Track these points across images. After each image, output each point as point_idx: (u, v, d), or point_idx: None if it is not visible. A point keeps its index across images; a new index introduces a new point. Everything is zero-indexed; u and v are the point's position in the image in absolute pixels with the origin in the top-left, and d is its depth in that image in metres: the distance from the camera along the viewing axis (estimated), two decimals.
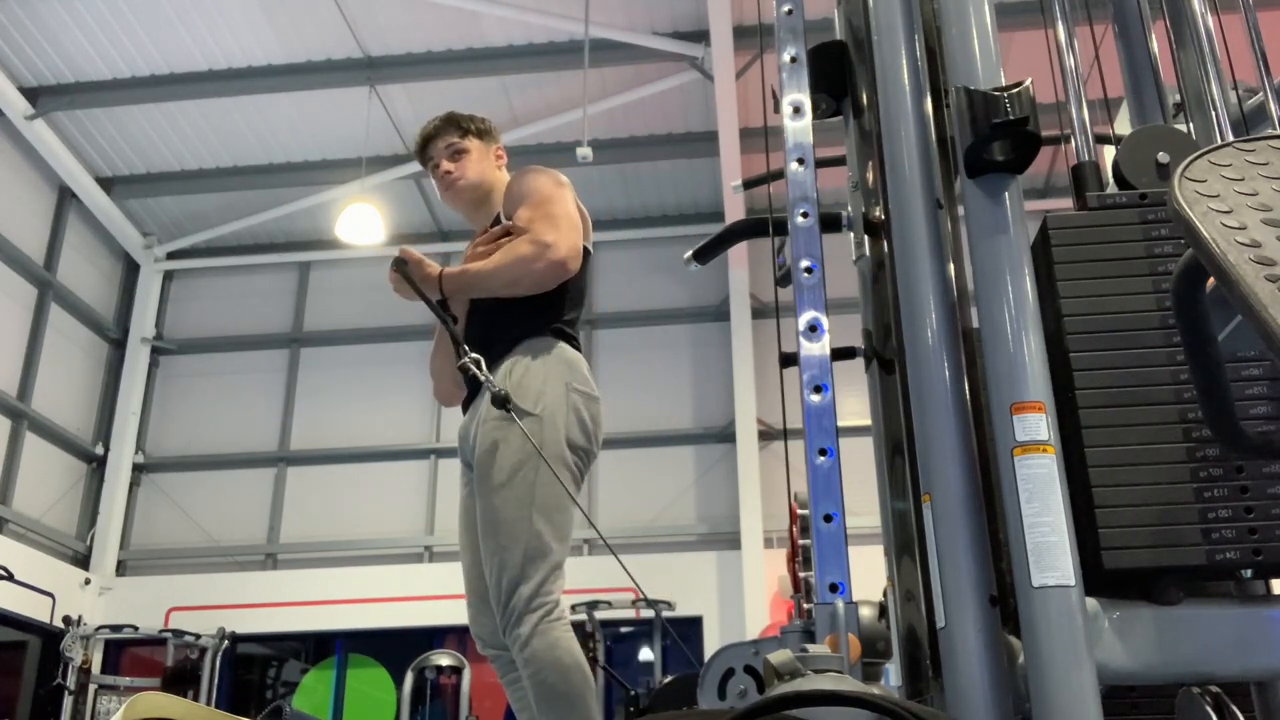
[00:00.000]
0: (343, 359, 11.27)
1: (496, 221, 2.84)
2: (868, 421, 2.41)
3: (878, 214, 2.39)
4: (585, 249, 2.75)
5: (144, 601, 10.20)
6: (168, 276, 11.83)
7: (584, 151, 8.01)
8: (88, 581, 10.29)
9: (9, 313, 9.95)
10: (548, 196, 2.67)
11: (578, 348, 2.69)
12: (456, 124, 2.96)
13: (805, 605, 4.90)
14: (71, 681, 8.99)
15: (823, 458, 2.16)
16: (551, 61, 9.18)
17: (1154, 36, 2.52)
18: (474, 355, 2.51)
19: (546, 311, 2.65)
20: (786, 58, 2.56)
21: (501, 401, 2.46)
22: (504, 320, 2.65)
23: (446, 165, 2.93)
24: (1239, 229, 1.24)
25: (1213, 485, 1.74)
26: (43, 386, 10.26)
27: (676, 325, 11.07)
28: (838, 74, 2.59)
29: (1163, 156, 2.02)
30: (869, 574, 2.59)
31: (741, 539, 9.87)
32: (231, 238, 11.48)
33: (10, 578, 8.50)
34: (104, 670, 9.88)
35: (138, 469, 11.09)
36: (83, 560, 10.54)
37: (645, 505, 10.27)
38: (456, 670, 8.21)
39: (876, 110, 2.24)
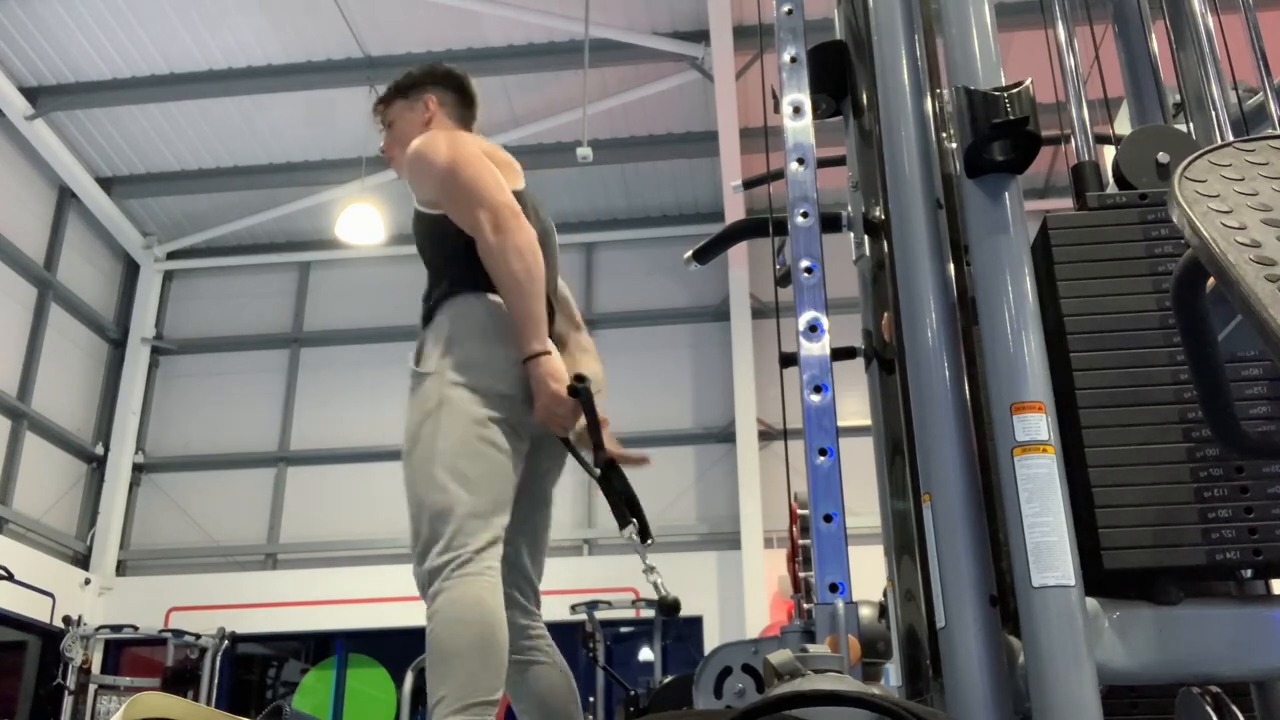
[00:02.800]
0: (343, 359, 11.27)
1: None
2: (868, 421, 2.41)
3: (878, 214, 2.39)
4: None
5: (144, 601, 10.20)
6: (168, 276, 11.84)
7: (584, 151, 8.01)
8: (88, 581, 10.29)
9: (9, 313, 9.95)
10: (449, 179, 2.35)
11: None
12: (381, 95, 2.73)
13: (805, 605, 4.89)
14: (71, 681, 8.99)
15: (823, 458, 2.16)
16: (551, 61, 9.18)
17: (1154, 36, 2.52)
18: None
19: (470, 265, 2.34)
20: (786, 58, 2.56)
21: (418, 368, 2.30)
22: (433, 279, 2.43)
23: (384, 145, 2.70)
24: (1239, 229, 1.24)
25: (1213, 485, 1.74)
26: (43, 386, 10.26)
27: (676, 325, 11.07)
28: (838, 74, 2.59)
29: (1163, 156, 2.02)
30: (869, 574, 2.59)
31: (741, 539, 9.88)
32: (231, 238, 11.48)
33: (10, 578, 8.50)
34: (104, 670, 9.88)
35: (138, 469, 11.09)
36: (83, 560, 10.54)
37: (645, 505, 10.23)
38: None
39: (876, 110, 2.24)
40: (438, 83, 2.68)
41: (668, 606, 2.40)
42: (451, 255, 2.38)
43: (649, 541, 2.42)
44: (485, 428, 2.23)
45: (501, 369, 2.28)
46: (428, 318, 2.41)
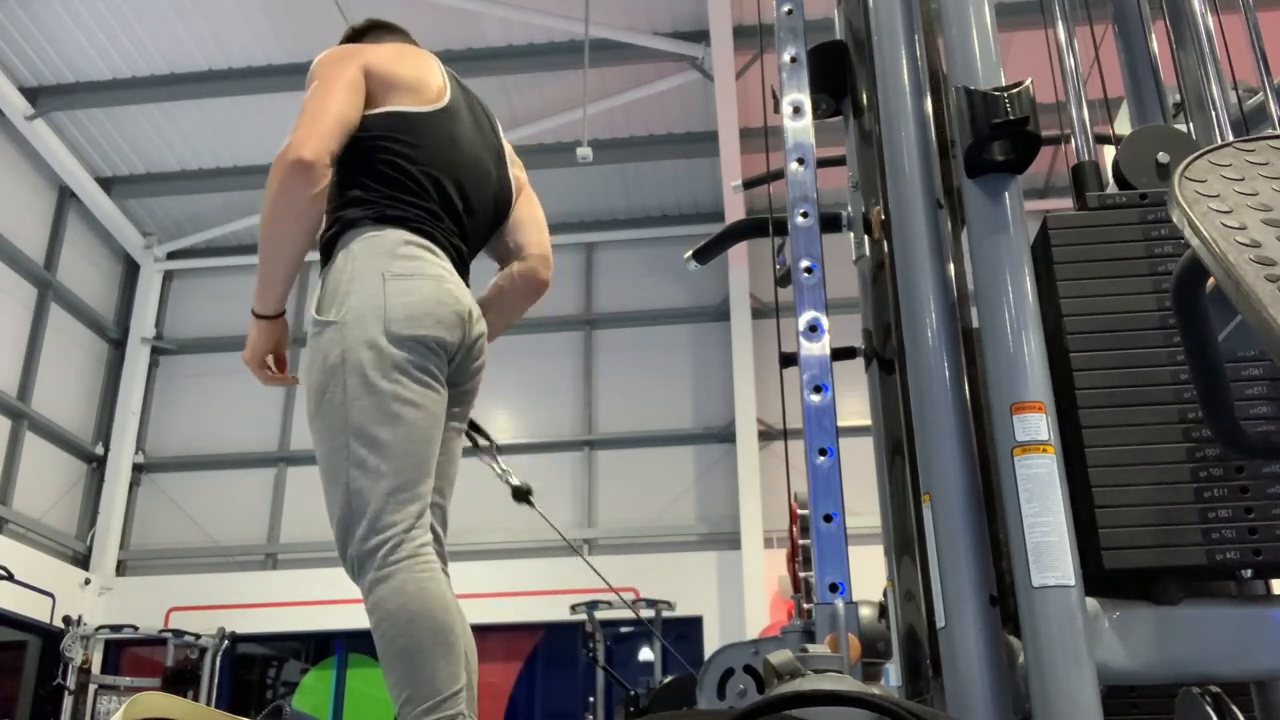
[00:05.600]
0: None
1: None
2: (868, 421, 2.41)
3: (878, 214, 2.39)
4: (400, 112, 2.23)
5: (144, 601, 10.20)
6: (168, 276, 11.84)
7: (584, 151, 8.01)
8: (88, 581, 10.30)
9: (9, 313, 9.95)
10: (309, 89, 2.18)
11: (414, 227, 2.16)
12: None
13: (805, 605, 4.90)
14: (71, 681, 8.99)
15: (823, 458, 2.17)
16: (551, 61, 9.18)
17: (1154, 36, 2.52)
18: None
19: (365, 199, 2.16)
20: (786, 58, 2.56)
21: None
22: (327, 223, 2.20)
23: None
24: (1239, 229, 1.24)
25: (1213, 485, 1.74)
26: (43, 386, 10.26)
27: (676, 325, 11.07)
28: (838, 74, 2.59)
29: (1163, 156, 2.02)
30: (869, 574, 2.59)
31: (741, 539, 9.88)
32: (231, 238, 11.48)
33: (10, 578, 8.50)
34: (104, 670, 9.88)
35: (138, 469, 11.09)
36: (83, 560, 10.54)
37: (645, 505, 10.28)
38: None
39: (876, 110, 2.24)
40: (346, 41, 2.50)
41: (520, 493, 2.40)
42: (342, 183, 2.18)
43: (493, 445, 2.39)
44: (399, 385, 2.02)
45: (408, 306, 2.06)
46: (326, 257, 2.19)
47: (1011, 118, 1.78)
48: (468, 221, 2.27)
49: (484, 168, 2.35)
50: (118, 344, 11.42)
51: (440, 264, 2.16)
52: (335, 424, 2.02)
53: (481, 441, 2.49)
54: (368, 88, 2.21)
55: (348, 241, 2.14)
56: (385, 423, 2.01)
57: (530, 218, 2.48)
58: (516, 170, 2.49)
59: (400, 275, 2.09)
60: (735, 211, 10.21)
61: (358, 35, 2.52)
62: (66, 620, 9.33)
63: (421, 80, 2.29)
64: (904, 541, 2.17)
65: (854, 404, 4.08)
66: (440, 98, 2.29)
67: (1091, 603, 1.69)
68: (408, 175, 2.19)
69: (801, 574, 5.03)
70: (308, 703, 10.18)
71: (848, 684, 1.58)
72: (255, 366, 2.25)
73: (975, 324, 1.87)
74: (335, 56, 2.23)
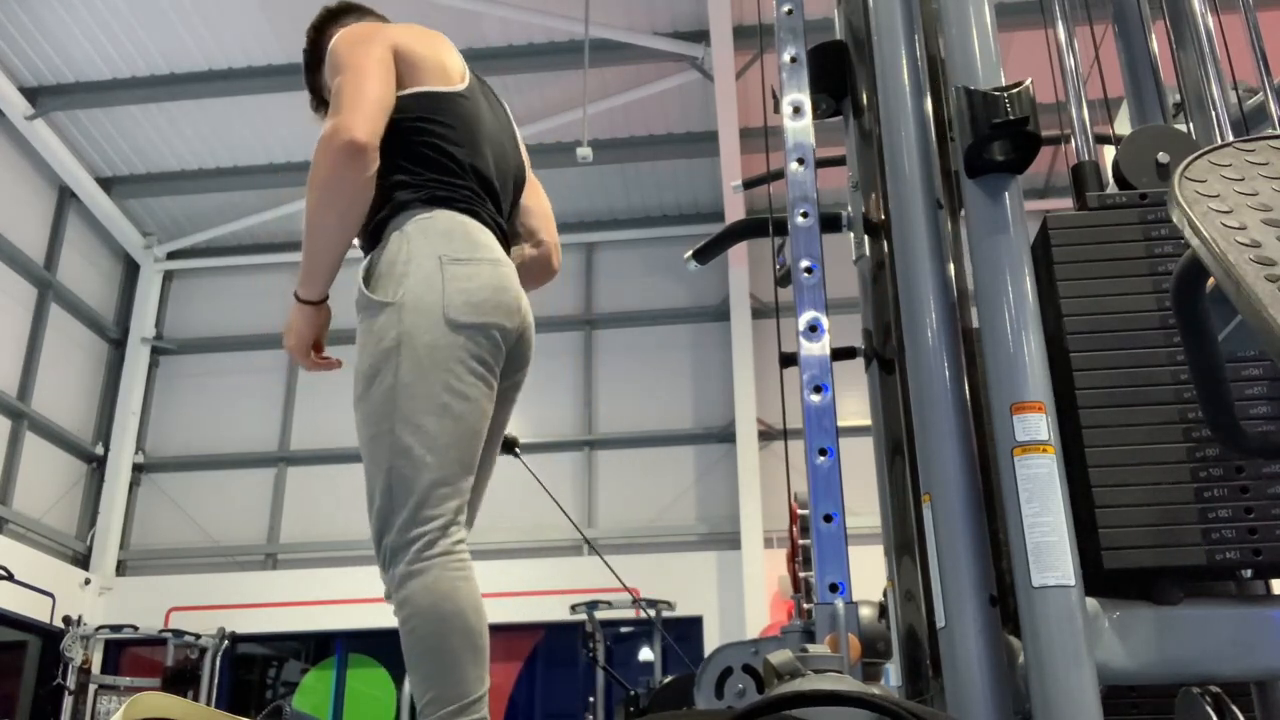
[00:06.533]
0: (342, 359, 11.27)
1: None
2: (868, 421, 2.41)
3: (878, 214, 2.39)
4: (432, 92, 2.19)
5: (144, 601, 10.20)
6: (168, 276, 11.84)
7: (584, 151, 8.01)
8: (88, 581, 10.29)
9: (9, 313, 9.95)
10: (339, 72, 2.11)
11: (463, 208, 2.13)
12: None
13: (805, 605, 4.90)
14: (71, 681, 8.99)
15: (823, 458, 2.17)
16: (551, 61, 9.18)
17: (1154, 36, 2.52)
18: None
19: (411, 182, 2.12)
20: (786, 58, 2.56)
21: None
22: (375, 206, 2.14)
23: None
24: (1239, 229, 1.24)
25: (1213, 485, 1.74)
26: (43, 386, 10.26)
27: (676, 325, 11.07)
28: (838, 74, 2.59)
29: (1163, 156, 2.02)
30: (869, 574, 2.59)
31: (741, 539, 9.88)
32: (231, 238, 11.48)
33: (10, 578, 8.50)
34: (104, 670, 9.88)
35: (138, 469, 11.09)
36: (83, 560, 10.54)
37: (645, 505, 10.28)
38: None
39: (876, 110, 2.24)
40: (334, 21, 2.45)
41: (507, 443, 2.41)
42: (384, 167, 2.10)
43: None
44: (452, 374, 1.98)
45: (467, 292, 2.02)
46: (375, 239, 2.14)
47: (1011, 118, 1.78)
48: (500, 200, 2.25)
49: (504, 149, 2.34)
50: (118, 344, 11.42)
51: (494, 246, 2.13)
52: (383, 409, 1.99)
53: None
54: (396, 68, 2.16)
55: (401, 223, 2.10)
56: (435, 412, 1.96)
57: (539, 206, 2.47)
58: (525, 156, 2.48)
59: (458, 259, 2.05)
60: (735, 211, 10.21)
61: (333, 16, 2.46)
62: (66, 620, 9.33)
63: (443, 61, 2.26)
64: (904, 541, 2.18)
65: (854, 404, 4.08)
66: (462, 79, 2.28)
67: (1091, 603, 1.69)
68: (447, 156, 2.16)
69: (801, 574, 5.03)
70: (308, 703, 10.18)
71: (848, 684, 1.58)
72: (301, 353, 2.24)
73: (975, 324, 1.87)
74: (358, 36, 2.17)
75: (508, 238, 2.27)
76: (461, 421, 1.99)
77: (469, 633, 1.90)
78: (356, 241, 2.20)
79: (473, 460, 2.03)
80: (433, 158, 2.15)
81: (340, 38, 2.18)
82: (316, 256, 2.12)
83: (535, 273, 2.41)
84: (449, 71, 2.25)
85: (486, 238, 2.12)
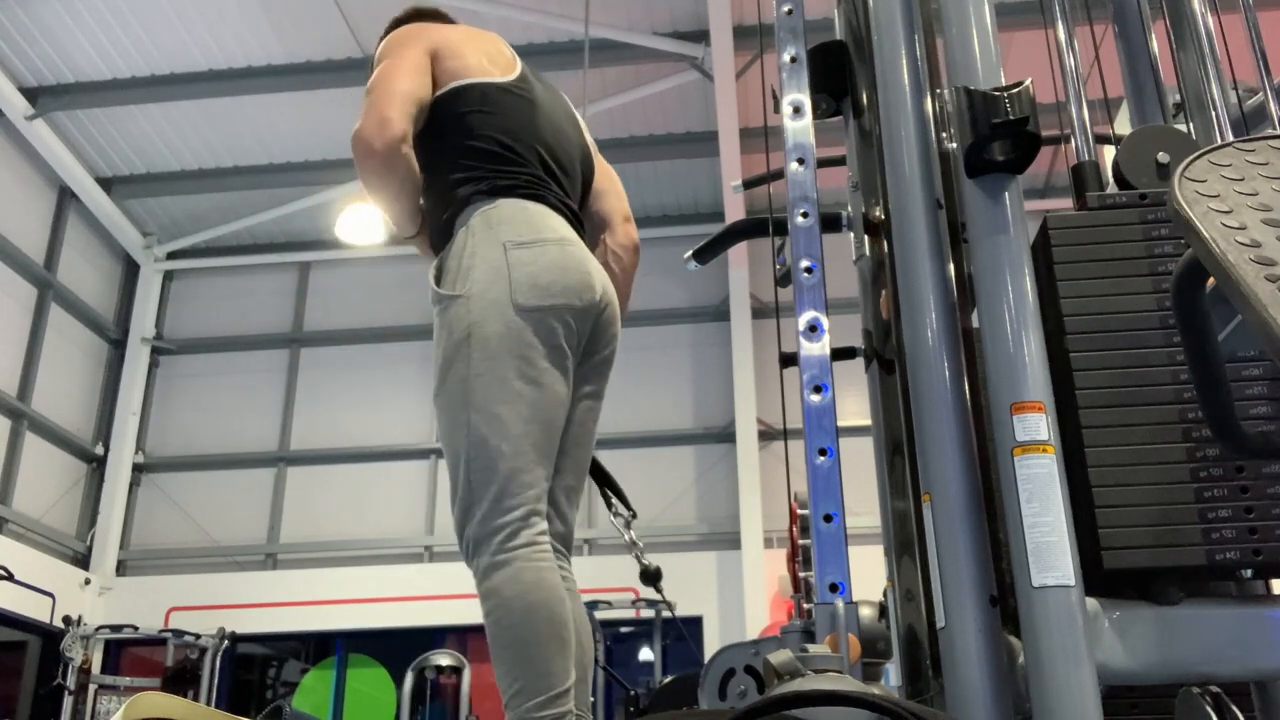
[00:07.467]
0: (343, 359, 11.27)
1: None
2: (868, 421, 2.41)
3: (878, 214, 2.39)
4: (479, 84, 2.23)
5: (144, 601, 10.20)
6: (168, 276, 11.83)
7: None
8: (88, 581, 10.29)
9: (9, 313, 9.95)
10: (378, 71, 2.21)
11: (525, 194, 2.16)
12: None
13: (805, 605, 4.89)
14: (71, 681, 8.99)
15: (823, 458, 2.17)
16: (551, 61, 9.18)
17: (1154, 36, 2.52)
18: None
19: (471, 177, 2.16)
20: (786, 58, 2.56)
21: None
22: (430, 210, 2.23)
23: None
24: (1239, 229, 1.24)
25: (1213, 485, 1.74)
26: (43, 386, 10.26)
27: (676, 325, 11.07)
28: (838, 74, 2.59)
29: (1163, 156, 2.02)
30: (869, 574, 2.59)
31: (741, 539, 9.88)
32: (231, 238, 11.48)
33: (10, 578, 8.50)
34: (104, 670, 9.88)
35: (138, 469, 11.09)
36: (83, 560, 10.54)
37: (645, 505, 10.27)
38: (456, 670, 8.21)
39: (876, 110, 2.24)
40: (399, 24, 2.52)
41: (650, 575, 2.36)
42: (443, 166, 2.20)
43: (633, 516, 2.35)
44: (523, 361, 2.00)
45: (533, 275, 2.03)
46: (446, 237, 2.17)
47: (1011, 118, 1.78)
48: (566, 184, 2.27)
49: (566, 133, 2.37)
50: (118, 344, 11.42)
51: (560, 227, 2.14)
52: (458, 400, 1.99)
53: (619, 509, 2.45)
54: (443, 65, 2.22)
55: (466, 218, 2.13)
56: (508, 400, 1.97)
57: (610, 187, 2.53)
58: (589, 137, 2.52)
59: (522, 243, 2.06)
60: (735, 211, 10.21)
61: (397, 22, 2.50)
62: (66, 620, 9.33)
63: (493, 54, 2.31)
64: (904, 541, 2.18)
65: (854, 404, 4.07)
66: (513, 68, 2.32)
67: (1091, 603, 1.69)
68: (504, 145, 2.18)
69: (801, 574, 5.03)
70: (308, 703, 10.18)
71: (848, 684, 1.58)
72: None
73: (975, 324, 1.87)
74: (402, 38, 2.26)
75: (580, 220, 2.30)
76: (535, 408, 2.00)
77: (554, 623, 1.90)
78: (429, 239, 2.29)
79: (551, 448, 2.04)
80: (489, 149, 2.18)
81: (390, 37, 2.28)
82: (394, 217, 2.27)
83: (628, 259, 2.45)
84: (500, 62, 2.30)
85: (552, 220, 2.14)
